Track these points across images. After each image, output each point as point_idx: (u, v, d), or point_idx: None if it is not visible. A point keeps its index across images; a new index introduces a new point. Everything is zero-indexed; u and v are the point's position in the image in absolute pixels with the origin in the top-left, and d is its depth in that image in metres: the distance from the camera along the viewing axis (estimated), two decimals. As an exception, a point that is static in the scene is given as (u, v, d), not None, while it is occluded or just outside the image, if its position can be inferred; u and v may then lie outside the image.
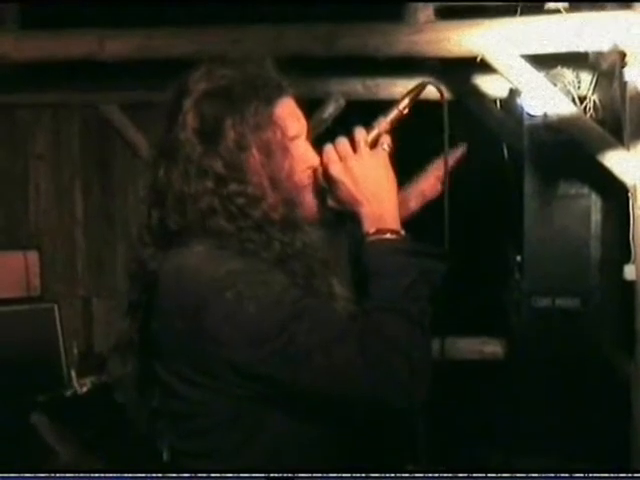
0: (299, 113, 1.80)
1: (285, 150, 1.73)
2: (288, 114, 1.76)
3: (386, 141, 1.80)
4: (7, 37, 4.49)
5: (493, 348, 5.13)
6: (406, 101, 1.84)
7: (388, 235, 1.72)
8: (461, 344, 5.04)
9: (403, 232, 1.75)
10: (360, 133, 1.78)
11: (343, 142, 1.77)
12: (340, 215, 1.83)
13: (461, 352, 4.99)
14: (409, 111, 1.84)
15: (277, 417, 1.66)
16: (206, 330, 1.61)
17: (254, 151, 1.70)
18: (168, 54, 4.29)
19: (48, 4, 4.56)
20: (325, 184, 1.79)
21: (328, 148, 1.77)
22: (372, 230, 1.73)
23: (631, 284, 4.06)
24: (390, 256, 1.69)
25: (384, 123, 1.82)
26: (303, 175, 1.78)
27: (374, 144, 1.79)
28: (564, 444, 4.23)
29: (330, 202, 1.81)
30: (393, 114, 1.83)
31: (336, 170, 1.75)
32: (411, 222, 1.99)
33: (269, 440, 1.67)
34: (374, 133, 1.80)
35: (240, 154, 1.69)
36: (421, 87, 1.86)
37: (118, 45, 4.31)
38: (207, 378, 1.65)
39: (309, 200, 1.79)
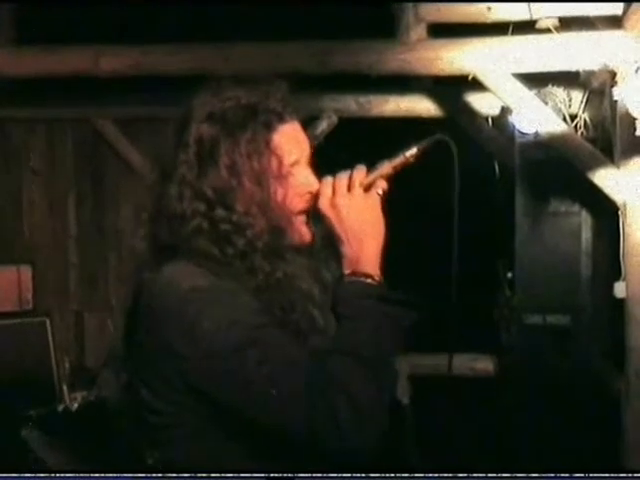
0: (301, 138, 1.80)
1: (279, 178, 1.73)
2: (288, 140, 1.76)
3: (382, 185, 1.79)
4: (2, 52, 4.51)
5: (484, 364, 5.14)
6: (414, 150, 1.81)
7: (362, 278, 1.72)
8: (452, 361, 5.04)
9: (379, 278, 1.73)
10: (358, 173, 1.78)
11: (341, 178, 1.77)
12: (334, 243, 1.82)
13: (452, 368, 4.99)
14: (415, 160, 1.82)
15: (243, 431, 1.66)
16: (165, 342, 1.64)
17: (245, 179, 1.70)
18: (163, 71, 4.32)
19: (44, 20, 4.59)
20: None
21: (326, 180, 1.78)
22: (347, 271, 1.74)
23: (621, 301, 4.07)
24: (358, 299, 1.69)
25: (387, 167, 1.80)
26: (300, 200, 1.78)
27: (370, 186, 1.78)
28: (554, 459, 4.24)
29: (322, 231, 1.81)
30: (398, 160, 1.81)
31: (324, 204, 1.75)
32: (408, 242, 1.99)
33: (241, 449, 1.68)
34: (373, 175, 1.79)
35: (231, 180, 1.70)
36: (433, 141, 1.82)
37: (113, 61, 4.33)
38: (168, 390, 1.68)
39: (302, 226, 1.79)
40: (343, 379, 1.58)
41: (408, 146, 1.82)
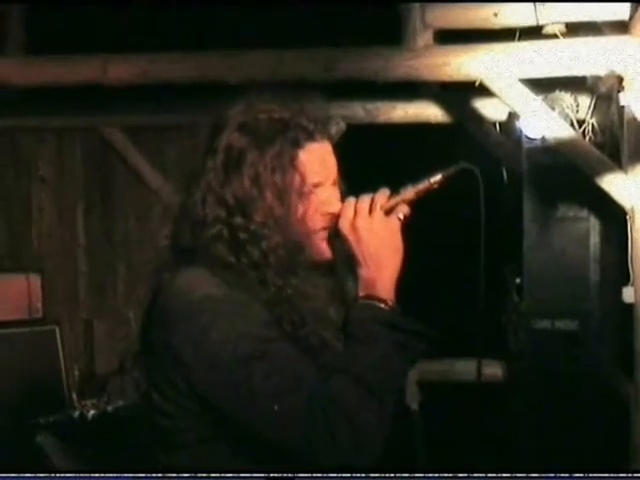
0: (329, 159, 1.80)
1: (301, 196, 1.74)
2: (314, 160, 1.76)
3: (403, 210, 1.78)
4: (11, 62, 4.55)
5: (493, 370, 5.14)
6: (439, 177, 1.80)
7: (375, 302, 1.72)
8: (459, 366, 5.05)
9: (392, 303, 1.73)
10: (380, 196, 1.77)
11: (363, 200, 1.77)
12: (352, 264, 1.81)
13: (459, 374, 5.00)
14: (439, 186, 1.80)
15: (246, 438, 1.67)
16: (173, 347, 1.66)
17: (267, 191, 1.71)
18: (169, 79, 4.34)
19: (52, 30, 4.62)
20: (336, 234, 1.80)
21: (348, 201, 1.78)
22: (362, 293, 1.74)
23: (630, 306, 4.07)
24: (369, 323, 1.69)
25: (410, 192, 1.80)
26: (320, 219, 1.78)
27: (391, 210, 1.78)
28: (563, 464, 4.23)
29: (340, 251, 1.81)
30: (422, 186, 1.80)
31: (344, 225, 1.75)
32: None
33: (243, 453, 1.69)
34: (395, 199, 1.78)
35: (252, 191, 1.71)
36: (458, 169, 1.82)
37: (121, 70, 4.36)
38: (175, 394, 1.69)
39: (321, 244, 1.79)
40: (344, 400, 1.59)
41: (433, 173, 1.81)
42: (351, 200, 1.78)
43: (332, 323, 1.77)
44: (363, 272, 1.74)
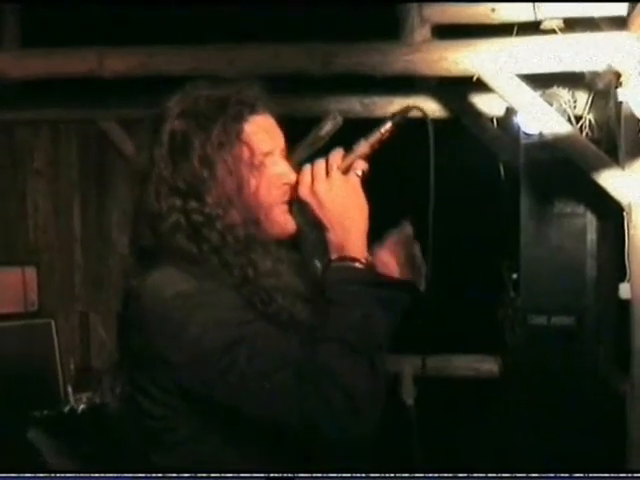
0: (274, 130, 1.79)
1: (252, 168, 1.73)
2: (259, 130, 1.75)
3: (360, 166, 1.77)
4: (7, 55, 4.53)
5: (489, 365, 5.14)
6: (388, 124, 1.79)
7: (348, 263, 1.70)
8: (456, 361, 5.05)
9: (366, 261, 1.71)
10: (334, 156, 1.76)
11: (319, 164, 1.76)
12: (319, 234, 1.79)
13: (456, 369, 5.00)
14: (390, 135, 1.79)
15: (242, 430, 1.67)
16: (155, 350, 1.65)
17: (217, 169, 1.70)
18: (166, 72, 4.32)
19: (48, 22, 4.60)
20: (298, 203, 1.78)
21: (305, 168, 1.76)
22: (334, 256, 1.72)
23: (626, 302, 4.07)
24: (345, 285, 1.67)
25: (364, 146, 1.78)
26: (277, 192, 1.77)
27: (348, 168, 1.76)
28: (559, 461, 4.24)
29: (303, 221, 1.79)
30: (374, 137, 1.79)
31: (304, 192, 1.74)
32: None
33: (241, 449, 1.68)
34: (350, 157, 1.77)
35: (203, 172, 1.70)
36: (405, 111, 1.81)
37: (117, 63, 4.34)
38: (165, 396, 1.68)
39: (283, 217, 1.78)
40: (333, 366, 1.57)
41: (384, 122, 1.79)
42: (307, 167, 1.76)
43: (300, 296, 1.75)
44: (331, 236, 1.73)
